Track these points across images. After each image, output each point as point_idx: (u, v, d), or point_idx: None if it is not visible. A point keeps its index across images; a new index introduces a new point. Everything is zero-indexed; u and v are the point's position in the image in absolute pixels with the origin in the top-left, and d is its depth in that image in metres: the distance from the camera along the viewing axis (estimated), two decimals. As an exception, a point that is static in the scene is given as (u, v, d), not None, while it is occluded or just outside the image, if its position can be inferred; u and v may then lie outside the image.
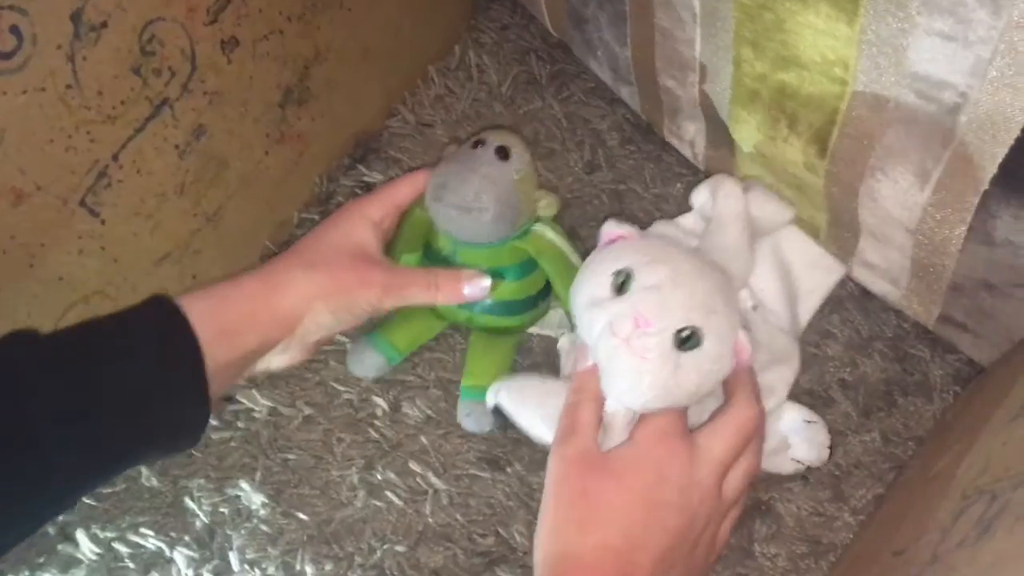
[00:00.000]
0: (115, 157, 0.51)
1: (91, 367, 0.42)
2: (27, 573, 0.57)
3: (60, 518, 0.58)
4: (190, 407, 0.44)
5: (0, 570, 0.56)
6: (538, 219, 0.56)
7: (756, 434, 0.46)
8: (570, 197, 0.67)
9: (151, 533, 0.58)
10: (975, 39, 0.38)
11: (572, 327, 0.56)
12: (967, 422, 0.49)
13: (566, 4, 0.66)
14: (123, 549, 0.57)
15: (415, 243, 0.58)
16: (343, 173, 0.70)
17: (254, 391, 0.61)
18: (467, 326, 0.60)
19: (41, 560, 0.57)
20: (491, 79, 0.73)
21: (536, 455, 0.58)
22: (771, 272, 0.56)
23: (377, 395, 0.61)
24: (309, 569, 0.56)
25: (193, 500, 0.59)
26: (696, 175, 0.66)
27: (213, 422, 0.61)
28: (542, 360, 0.61)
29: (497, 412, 0.54)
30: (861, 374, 0.59)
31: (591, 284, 0.47)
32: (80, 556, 0.57)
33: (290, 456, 0.59)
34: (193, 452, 0.60)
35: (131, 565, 0.57)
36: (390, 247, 0.56)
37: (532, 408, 0.51)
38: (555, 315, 0.62)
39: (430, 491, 0.58)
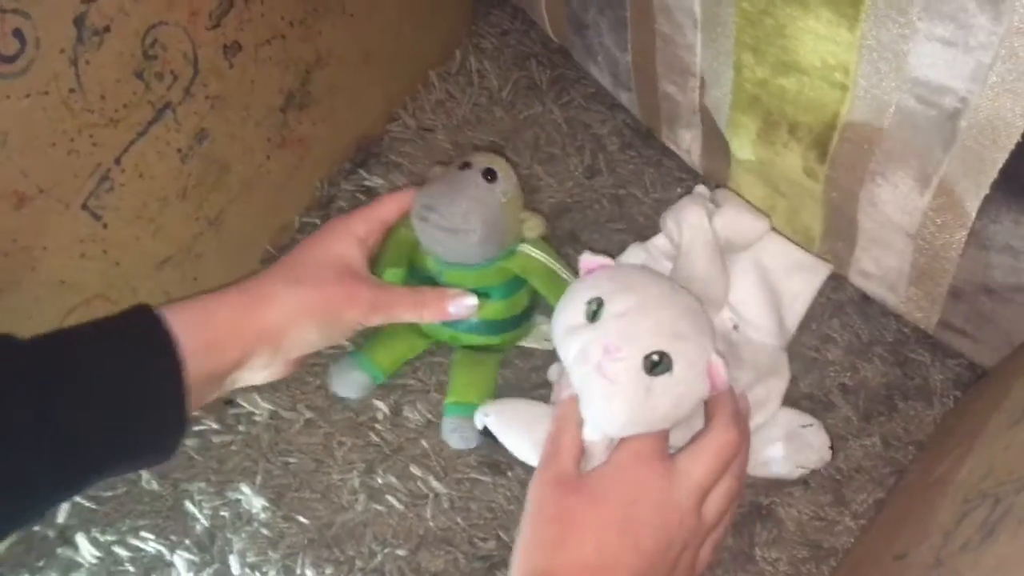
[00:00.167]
0: (117, 161, 0.52)
1: (66, 375, 0.41)
2: (27, 577, 0.57)
3: (60, 521, 0.58)
4: (167, 418, 0.43)
5: (0, 573, 0.56)
6: (523, 240, 0.57)
7: (736, 457, 0.46)
8: (570, 202, 0.68)
9: (151, 537, 0.57)
10: (976, 44, 0.38)
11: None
12: (968, 426, 0.49)
13: (567, 9, 0.66)
14: (123, 553, 0.57)
15: (400, 261, 0.58)
16: (344, 177, 0.70)
17: (255, 394, 0.61)
18: (451, 344, 0.60)
19: (40, 564, 0.57)
20: (492, 84, 0.73)
21: (537, 459, 0.58)
22: (753, 286, 0.57)
23: (378, 399, 0.61)
24: (310, 573, 0.56)
25: (193, 503, 0.58)
26: (696, 180, 0.66)
27: (214, 425, 0.61)
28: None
29: (485, 433, 0.54)
30: (861, 378, 0.59)
31: (567, 313, 0.48)
32: (80, 560, 0.57)
33: (291, 460, 0.59)
34: (194, 455, 0.60)
35: (131, 569, 0.57)
36: (374, 264, 0.56)
37: (520, 433, 0.52)
38: (542, 328, 0.62)
39: (431, 495, 0.57)
